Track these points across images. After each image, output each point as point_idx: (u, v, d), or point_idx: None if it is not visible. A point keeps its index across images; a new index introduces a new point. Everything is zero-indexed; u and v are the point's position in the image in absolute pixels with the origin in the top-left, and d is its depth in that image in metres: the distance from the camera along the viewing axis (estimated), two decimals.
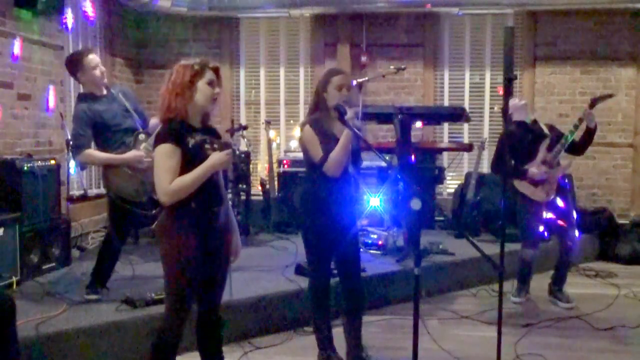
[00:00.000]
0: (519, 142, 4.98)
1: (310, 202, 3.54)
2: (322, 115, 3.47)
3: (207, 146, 2.83)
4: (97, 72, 4.18)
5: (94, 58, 4.18)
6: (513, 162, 4.99)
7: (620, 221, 7.01)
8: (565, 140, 4.85)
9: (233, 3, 7.44)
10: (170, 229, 2.86)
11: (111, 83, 4.52)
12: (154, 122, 4.32)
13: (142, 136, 4.26)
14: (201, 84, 2.86)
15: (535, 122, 5.11)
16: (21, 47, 5.41)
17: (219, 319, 3.13)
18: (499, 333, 3.38)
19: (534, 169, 4.90)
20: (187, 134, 2.81)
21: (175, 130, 2.81)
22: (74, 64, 4.19)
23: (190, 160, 2.79)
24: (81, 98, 4.27)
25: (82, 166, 4.74)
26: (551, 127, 5.14)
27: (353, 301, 3.64)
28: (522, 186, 4.94)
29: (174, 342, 2.95)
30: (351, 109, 3.38)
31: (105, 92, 4.29)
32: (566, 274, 5.10)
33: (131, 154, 4.15)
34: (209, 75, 2.89)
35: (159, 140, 2.81)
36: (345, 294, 3.65)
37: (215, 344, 3.15)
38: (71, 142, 4.29)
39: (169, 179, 2.75)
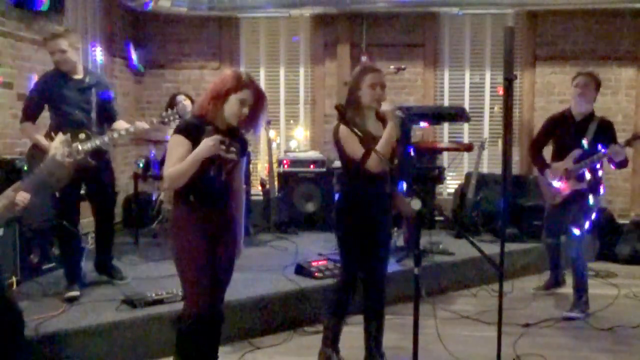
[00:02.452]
0: (557, 133, 4.92)
1: (349, 200, 3.48)
2: (355, 114, 3.41)
3: (221, 147, 2.93)
4: (55, 58, 4.28)
5: (50, 45, 4.26)
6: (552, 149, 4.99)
7: (620, 221, 7.01)
8: (592, 161, 4.63)
9: (233, 3, 7.44)
10: (175, 219, 3.07)
11: (89, 70, 4.63)
12: (122, 125, 4.43)
13: (82, 135, 4.25)
14: (233, 99, 2.96)
15: (587, 119, 4.75)
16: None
17: (220, 317, 3.15)
18: (499, 333, 3.38)
19: (551, 172, 4.88)
20: (204, 134, 2.93)
21: (192, 125, 2.97)
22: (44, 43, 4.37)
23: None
24: (49, 72, 4.39)
25: None
26: (604, 127, 4.73)
27: (375, 306, 3.61)
28: (550, 175, 4.91)
29: (201, 332, 3.02)
30: (389, 104, 3.34)
31: (80, 75, 4.35)
32: (578, 280, 4.82)
33: (49, 145, 4.15)
34: (244, 93, 2.96)
35: (175, 131, 3.00)
36: (366, 299, 3.61)
37: (214, 343, 3.16)
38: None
39: (170, 165, 2.93)
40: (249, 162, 6.64)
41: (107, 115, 4.47)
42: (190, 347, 3.03)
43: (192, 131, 2.93)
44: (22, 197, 2.93)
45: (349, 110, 3.40)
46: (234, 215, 3.14)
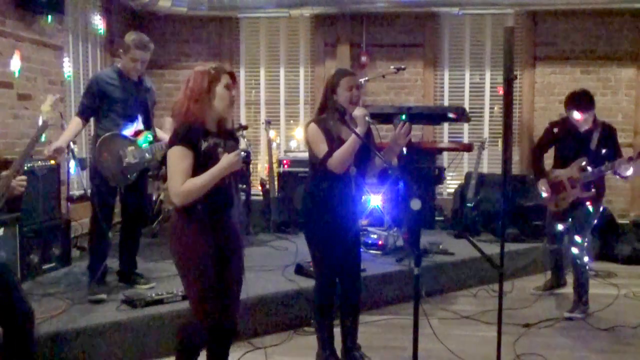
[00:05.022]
0: (559, 141, 4.92)
1: (313, 201, 3.55)
2: (330, 117, 3.46)
3: (220, 149, 2.86)
4: (133, 65, 4.34)
5: (137, 54, 4.30)
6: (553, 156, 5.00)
7: (620, 221, 7.00)
8: (599, 172, 4.60)
9: (233, 3, 7.45)
10: (179, 232, 2.91)
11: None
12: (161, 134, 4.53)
13: (150, 136, 4.40)
14: (219, 89, 2.88)
15: (591, 129, 4.70)
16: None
17: (235, 328, 3.11)
18: (499, 333, 3.38)
19: (544, 186, 4.89)
20: (201, 138, 2.83)
21: (188, 133, 2.83)
22: (124, 43, 4.36)
23: (203, 163, 2.82)
24: (108, 69, 4.57)
25: (82, 165, 4.85)
26: (607, 133, 4.71)
27: (350, 300, 3.67)
28: (542, 185, 4.93)
29: (199, 343, 2.99)
30: (362, 109, 3.39)
31: (135, 79, 4.43)
32: (579, 281, 4.83)
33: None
34: (225, 79, 2.90)
35: (172, 142, 2.84)
36: (343, 294, 3.66)
37: (224, 352, 3.14)
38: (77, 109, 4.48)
39: (180, 180, 2.78)
40: (249, 162, 6.65)
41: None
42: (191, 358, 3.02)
43: (192, 139, 2.81)
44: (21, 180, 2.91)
45: (325, 113, 3.49)
46: (236, 221, 3.10)
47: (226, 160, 2.80)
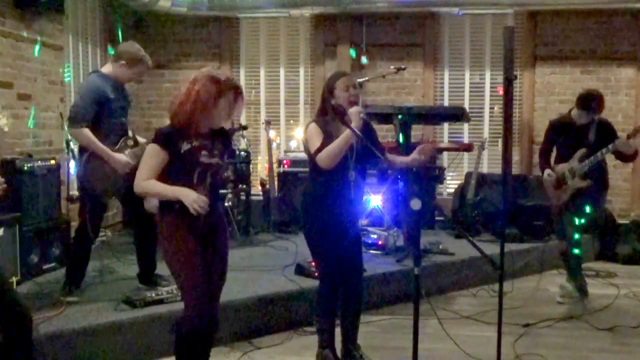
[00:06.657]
0: (560, 139, 4.97)
1: (310, 200, 3.57)
2: (330, 119, 3.48)
3: (204, 152, 2.93)
4: (135, 79, 4.56)
5: (144, 70, 4.49)
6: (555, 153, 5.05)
7: (620, 221, 7.00)
8: (596, 158, 4.70)
9: (233, 3, 7.44)
10: (163, 229, 3.01)
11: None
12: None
13: (130, 141, 4.32)
14: (223, 103, 2.95)
15: (589, 123, 4.82)
16: None
17: (215, 323, 3.13)
18: (499, 333, 3.39)
19: (547, 174, 4.92)
20: (184, 140, 2.91)
21: (170, 135, 2.93)
22: (133, 56, 4.35)
23: (181, 164, 2.92)
24: (99, 75, 4.35)
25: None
26: (604, 126, 4.85)
27: (351, 301, 3.68)
28: (547, 173, 4.98)
29: (202, 335, 3.01)
30: (356, 107, 3.41)
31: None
32: (569, 271, 5.02)
33: (122, 159, 4.19)
34: (230, 95, 2.97)
35: (153, 139, 2.97)
36: (345, 294, 3.67)
37: (208, 347, 3.15)
38: (70, 113, 4.31)
39: (145, 174, 2.92)
40: (249, 162, 6.64)
41: None
42: (190, 352, 3.03)
43: (170, 141, 2.91)
44: None
45: (325, 116, 3.51)
46: (221, 215, 3.17)
47: (186, 197, 2.84)
